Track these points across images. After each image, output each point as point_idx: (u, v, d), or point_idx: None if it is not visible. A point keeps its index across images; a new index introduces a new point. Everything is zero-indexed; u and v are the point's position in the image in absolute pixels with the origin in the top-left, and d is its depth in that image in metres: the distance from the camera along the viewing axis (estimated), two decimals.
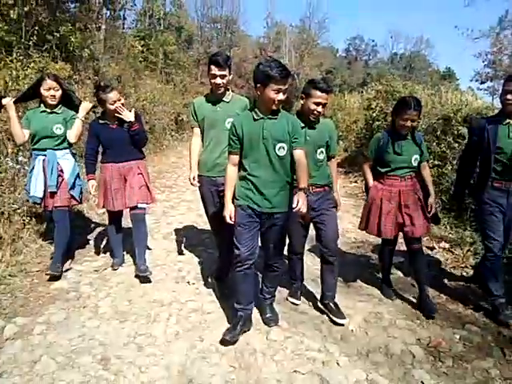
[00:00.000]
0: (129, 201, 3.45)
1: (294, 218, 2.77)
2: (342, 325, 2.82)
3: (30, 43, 8.17)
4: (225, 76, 2.99)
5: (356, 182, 7.91)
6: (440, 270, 3.87)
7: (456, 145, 5.82)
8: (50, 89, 3.37)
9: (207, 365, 2.41)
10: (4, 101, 3.38)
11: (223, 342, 2.57)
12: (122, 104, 3.37)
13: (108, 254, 4.02)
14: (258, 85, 2.40)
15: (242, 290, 2.66)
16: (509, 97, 2.85)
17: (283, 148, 2.47)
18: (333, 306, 2.90)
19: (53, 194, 3.41)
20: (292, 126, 2.51)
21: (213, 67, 2.97)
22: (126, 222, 3.84)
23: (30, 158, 3.59)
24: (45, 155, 3.43)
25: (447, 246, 4.27)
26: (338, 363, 2.46)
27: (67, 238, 3.52)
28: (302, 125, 2.73)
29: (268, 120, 2.47)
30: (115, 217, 3.69)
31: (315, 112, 2.72)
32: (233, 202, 2.56)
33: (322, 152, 2.86)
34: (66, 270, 3.59)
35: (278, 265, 2.80)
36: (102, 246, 4.26)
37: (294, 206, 2.40)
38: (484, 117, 3.81)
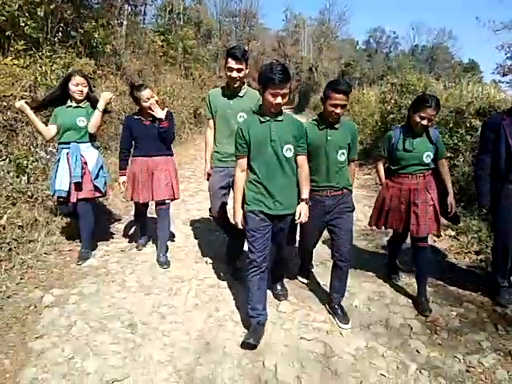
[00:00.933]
0: (155, 196, 3.61)
1: (310, 221, 2.73)
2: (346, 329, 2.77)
3: (56, 39, 8.53)
4: (241, 70, 3.05)
5: (369, 174, 8.07)
6: (444, 256, 4.05)
7: (468, 137, 5.93)
8: (78, 84, 3.53)
9: (223, 331, 2.70)
10: (17, 104, 3.55)
11: (245, 345, 2.51)
12: (156, 101, 3.55)
13: (133, 237, 4.33)
14: (260, 86, 2.44)
15: (257, 295, 2.60)
16: None
17: (290, 149, 2.51)
18: (339, 309, 2.87)
19: (77, 186, 3.52)
20: (298, 130, 2.55)
21: (230, 60, 3.01)
22: (151, 209, 4.11)
23: (58, 150, 3.77)
24: (69, 148, 3.56)
25: (453, 233, 4.44)
26: (341, 333, 2.71)
27: (92, 227, 3.75)
28: (323, 126, 2.76)
29: (274, 122, 2.49)
30: (141, 207, 3.89)
31: (333, 114, 2.67)
32: (242, 207, 2.59)
33: (343, 154, 2.79)
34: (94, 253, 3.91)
35: (288, 260, 3.02)
36: (127, 230, 4.58)
37: (296, 217, 2.54)
38: (500, 112, 3.73)
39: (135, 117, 3.66)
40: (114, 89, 9.92)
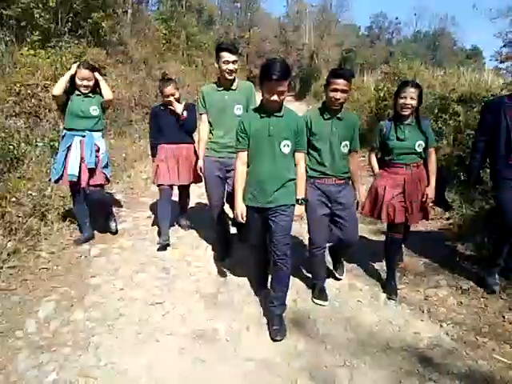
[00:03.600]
0: (180, 179, 3.92)
1: (316, 210, 2.86)
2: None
3: (66, 29, 8.95)
4: (236, 61, 3.17)
5: (363, 156, 8.71)
6: (425, 226, 4.72)
7: (451, 122, 6.58)
8: (83, 79, 3.62)
9: (238, 271, 3.46)
10: (74, 65, 3.66)
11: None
12: (177, 99, 3.84)
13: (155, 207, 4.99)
14: (259, 82, 2.47)
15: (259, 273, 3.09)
16: None
17: (287, 145, 2.51)
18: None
19: (90, 173, 3.68)
20: (297, 126, 2.55)
21: (226, 54, 3.12)
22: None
23: (64, 136, 3.76)
24: (83, 136, 3.67)
25: (430, 204, 5.11)
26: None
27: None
28: (328, 115, 2.81)
29: (274, 117, 2.50)
30: (167, 191, 3.93)
31: (333, 99, 2.72)
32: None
33: (346, 145, 2.86)
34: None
35: (284, 262, 2.60)
36: (150, 202, 5.20)
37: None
38: (500, 96, 3.72)
39: (161, 107, 3.96)
40: (124, 77, 10.50)
